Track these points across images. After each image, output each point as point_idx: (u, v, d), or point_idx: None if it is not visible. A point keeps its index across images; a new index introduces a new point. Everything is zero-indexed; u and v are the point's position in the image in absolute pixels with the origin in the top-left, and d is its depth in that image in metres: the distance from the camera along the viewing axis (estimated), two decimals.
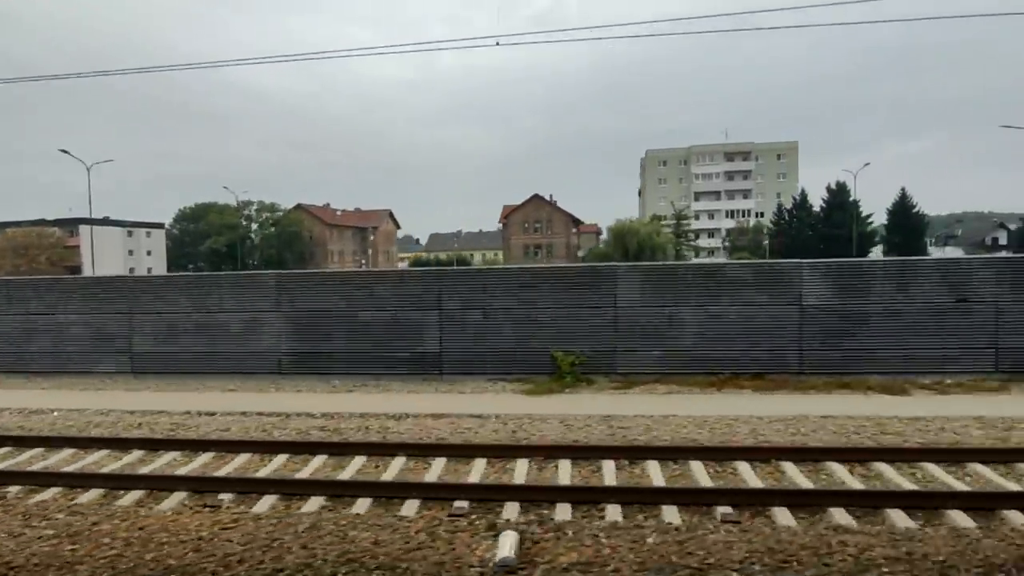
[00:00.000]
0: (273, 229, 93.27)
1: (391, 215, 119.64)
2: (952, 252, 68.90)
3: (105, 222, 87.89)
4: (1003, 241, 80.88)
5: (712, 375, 11.42)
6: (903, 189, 69.51)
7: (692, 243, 78.80)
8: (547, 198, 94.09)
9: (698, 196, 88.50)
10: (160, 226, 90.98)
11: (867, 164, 70.68)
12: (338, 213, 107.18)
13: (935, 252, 74.33)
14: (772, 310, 11.61)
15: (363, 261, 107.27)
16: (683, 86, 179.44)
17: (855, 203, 65.90)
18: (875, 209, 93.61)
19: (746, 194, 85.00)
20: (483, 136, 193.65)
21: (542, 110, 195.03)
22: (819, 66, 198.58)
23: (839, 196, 66.99)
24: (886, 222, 70.83)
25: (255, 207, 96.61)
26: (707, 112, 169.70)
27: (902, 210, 69.37)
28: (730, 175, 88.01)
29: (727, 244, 78.34)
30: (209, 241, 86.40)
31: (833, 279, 11.58)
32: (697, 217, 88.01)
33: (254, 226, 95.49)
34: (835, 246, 62.17)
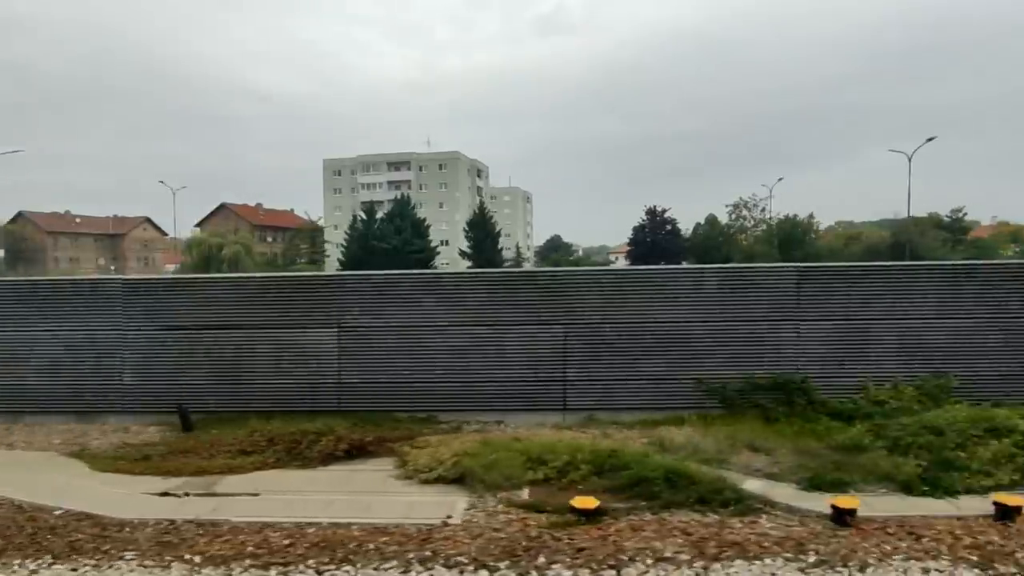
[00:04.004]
0: None
1: (150, 221, 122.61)
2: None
3: None
4: None
5: None
6: (480, 202, 72.01)
7: (326, 256, 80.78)
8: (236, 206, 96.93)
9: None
10: None
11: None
12: (77, 220, 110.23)
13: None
14: None
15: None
16: (683, 89, 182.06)
17: (412, 219, 68.18)
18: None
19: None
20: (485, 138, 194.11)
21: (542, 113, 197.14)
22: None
23: (400, 208, 68.78)
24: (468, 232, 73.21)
25: None
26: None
27: (480, 223, 71.78)
28: (396, 184, 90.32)
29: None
30: None
31: None
32: None
33: None
34: (396, 260, 64.00)
